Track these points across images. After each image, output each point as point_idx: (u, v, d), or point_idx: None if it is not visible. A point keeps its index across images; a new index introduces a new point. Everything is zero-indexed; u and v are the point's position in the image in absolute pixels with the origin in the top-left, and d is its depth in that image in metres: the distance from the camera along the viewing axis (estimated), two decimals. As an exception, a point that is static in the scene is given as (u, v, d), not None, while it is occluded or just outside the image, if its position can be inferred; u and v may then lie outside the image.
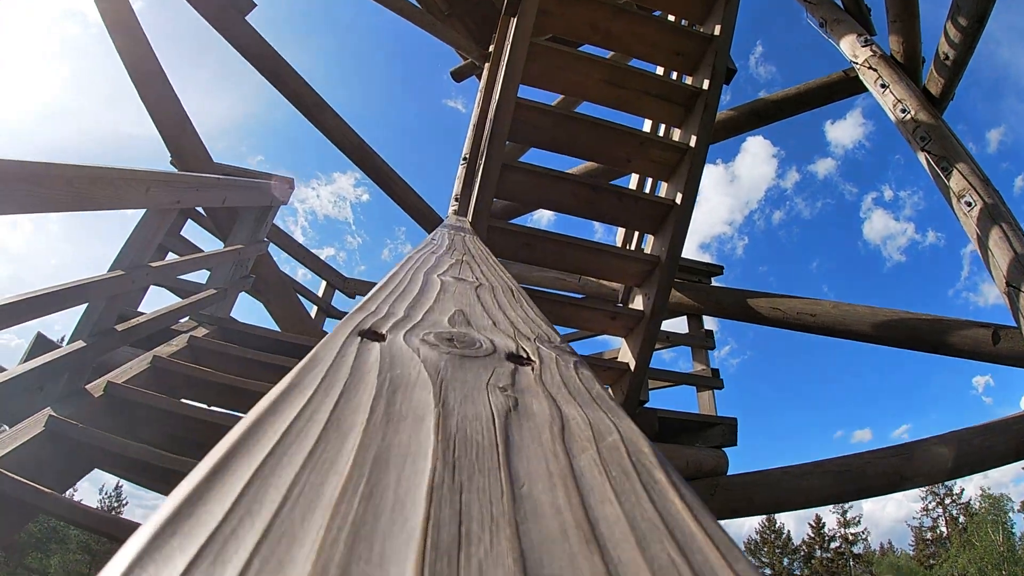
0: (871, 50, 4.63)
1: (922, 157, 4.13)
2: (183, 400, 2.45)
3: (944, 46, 4.22)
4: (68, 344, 1.89)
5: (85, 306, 2.00)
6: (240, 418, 0.27)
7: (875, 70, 4.56)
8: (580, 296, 4.72)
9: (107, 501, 33.98)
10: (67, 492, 1.82)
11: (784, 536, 38.04)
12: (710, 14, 3.15)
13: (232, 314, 3.57)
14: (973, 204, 3.64)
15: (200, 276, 3.61)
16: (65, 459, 1.73)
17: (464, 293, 0.67)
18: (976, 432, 3.61)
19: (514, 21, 2.80)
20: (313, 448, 0.24)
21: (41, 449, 1.72)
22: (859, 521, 37.36)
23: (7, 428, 1.79)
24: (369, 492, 0.22)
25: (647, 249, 3.30)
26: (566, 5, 2.95)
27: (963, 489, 36.57)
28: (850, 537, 36.56)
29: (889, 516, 55.72)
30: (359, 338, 0.41)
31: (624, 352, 3.31)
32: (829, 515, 37.93)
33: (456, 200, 4.25)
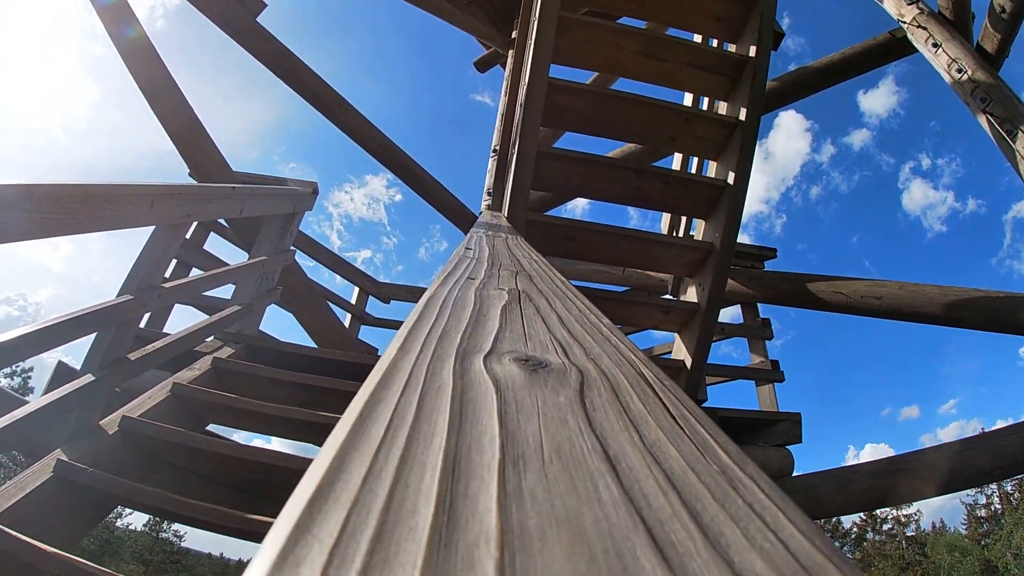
0: (918, 7, 4.29)
1: (983, 119, 3.78)
2: (209, 429, 2.29)
3: (1000, -2, 3.82)
4: (77, 379, 1.72)
5: (95, 335, 1.84)
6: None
7: (925, 28, 4.21)
8: (624, 289, 4.44)
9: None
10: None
11: (834, 520, 36.74)
12: (753, -28, 2.85)
13: (264, 327, 3.42)
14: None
15: (228, 291, 3.46)
16: (76, 507, 1.57)
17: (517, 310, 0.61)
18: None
19: (540, -7, 2.55)
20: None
21: (51, 497, 1.56)
22: (911, 502, 35.80)
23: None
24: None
25: (697, 235, 3.02)
26: (596, -29, 2.68)
27: (1017, 464, 34.66)
28: (903, 519, 35.05)
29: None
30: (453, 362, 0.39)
31: (678, 348, 3.03)
32: (880, 495, 36.40)
33: (488, 194, 4.01)
